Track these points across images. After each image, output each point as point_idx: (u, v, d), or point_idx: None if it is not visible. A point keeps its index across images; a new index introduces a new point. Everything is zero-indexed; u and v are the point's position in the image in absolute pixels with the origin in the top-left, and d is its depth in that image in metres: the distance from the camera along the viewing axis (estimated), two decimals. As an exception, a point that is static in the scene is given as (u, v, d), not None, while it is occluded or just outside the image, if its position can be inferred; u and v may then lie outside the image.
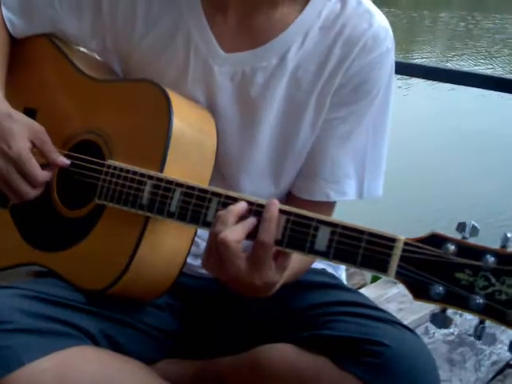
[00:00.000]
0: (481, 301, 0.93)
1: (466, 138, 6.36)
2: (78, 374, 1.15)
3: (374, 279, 2.57)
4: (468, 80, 2.45)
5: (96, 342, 1.23)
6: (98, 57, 1.46)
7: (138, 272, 1.22)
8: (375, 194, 1.40)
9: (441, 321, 0.99)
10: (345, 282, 1.50)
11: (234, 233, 1.08)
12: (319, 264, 1.43)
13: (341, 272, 1.50)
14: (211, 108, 1.33)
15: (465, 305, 0.95)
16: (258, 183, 1.38)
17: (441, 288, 0.96)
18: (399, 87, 7.84)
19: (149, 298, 1.31)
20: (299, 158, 1.36)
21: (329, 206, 1.40)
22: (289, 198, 1.42)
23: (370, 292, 2.42)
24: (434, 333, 2.19)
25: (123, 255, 1.21)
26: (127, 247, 1.21)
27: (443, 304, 0.97)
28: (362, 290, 2.46)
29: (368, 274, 2.58)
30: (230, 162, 1.36)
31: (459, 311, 0.97)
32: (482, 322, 0.96)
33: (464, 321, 2.22)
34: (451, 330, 2.20)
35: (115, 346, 1.26)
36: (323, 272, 1.42)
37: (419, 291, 0.98)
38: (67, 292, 1.24)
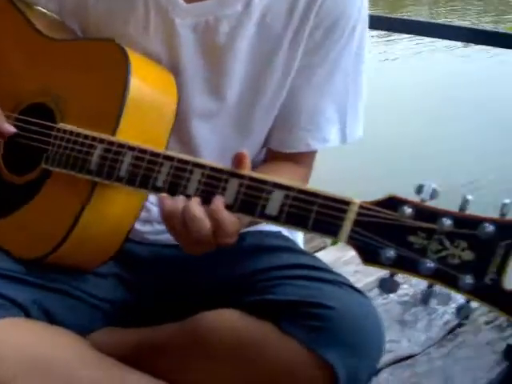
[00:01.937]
0: (432, 265, 0.91)
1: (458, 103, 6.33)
2: (7, 347, 1.11)
3: (335, 242, 2.56)
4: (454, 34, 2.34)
5: (28, 314, 1.18)
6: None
7: (80, 239, 1.18)
8: (357, 136, 1.38)
9: (389, 285, 0.97)
10: (301, 244, 1.48)
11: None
12: (275, 227, 1.39)
13: (297, 234, 1.48)
14: (175, 63, 1.28)
15: (415, 269, 0.92)
16: (225, 138, 1.34)
17: (392, 252, 0.93)
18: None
19: (92, 265, 1.27)
20: (271, 109, 1.33)
21: (310, 155, 1.39)
22: (268, 153, 1.40)
23: (330, 254, 2.42)
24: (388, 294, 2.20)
25: (65, 221, 1.16)
26: (70, 214, 1.16)
27: (393, 268, 0.94)
28: (322, 253, 2.47)
29: (329, 237, 2.56)
30: (195, 118, 1.31)
31: (409, 276, 0.94)
32: (430, 286, 0.95)
33: (419, 281, 2.23)
34: (406, 291, 2.21)
35: (50, 317, 1.22)
36: (277, 235, 1.40)
37: (369, 255, 0.95)
38: (1, 262, 1.20)
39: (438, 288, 0.94)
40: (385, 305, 2.17)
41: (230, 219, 1.06)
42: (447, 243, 0.91)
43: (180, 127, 1.28)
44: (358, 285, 2.07)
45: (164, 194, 1.08)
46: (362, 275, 2.25)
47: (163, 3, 1.27)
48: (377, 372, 1.86)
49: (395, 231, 0.93)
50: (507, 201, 0.91)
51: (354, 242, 0.96)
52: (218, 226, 1.05)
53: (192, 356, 1.18)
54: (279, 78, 1.29)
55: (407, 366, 1.93)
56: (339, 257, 2.40)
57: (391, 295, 2.19)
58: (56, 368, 1.14)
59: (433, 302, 2.20)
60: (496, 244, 0.88)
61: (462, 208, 0.92)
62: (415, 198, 0.94)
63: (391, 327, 2.07)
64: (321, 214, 0.99)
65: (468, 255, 0.90)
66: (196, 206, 1.05)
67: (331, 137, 1.35)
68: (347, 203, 0.97)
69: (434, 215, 0.92)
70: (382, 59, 7.84)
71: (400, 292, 2.20)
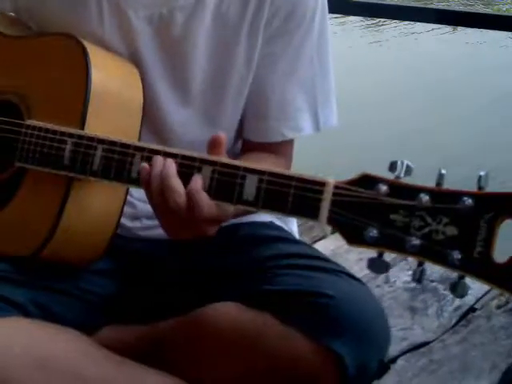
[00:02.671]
0: (417, 242, 0.88)
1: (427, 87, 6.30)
2: (13, 346, 1.09)
3: (334, 230, 2.53)
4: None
5: (26, 312, 1.17)
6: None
7: (66, 234, 1.16)
8: (331, 123, 1.36)
9: (378, 265, 0.95)
10: (296, 234, 1.45)
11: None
12: (267, 217, 1.38)
13: (291, 225, 1.46)
14: (134, 57, 1.27)
15: (401, 247, 0.89)
16: (194, 129, 1.32)
17: (375, 231, 0.90)
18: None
19: (83, 262, 1.26)
20: (238, 99, 1.31)
21: (287, 145, 1.37)
22: (244, 144, 1.38)
23: (330, 243, 2.39)
24: (394, 281, 2.17)
25: (48, 218, 1.16)
26: (52, 210, 1.15)
27: (379, 248, 0.92)
28: (322, 242, 2.44)
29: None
30: (162, 113, 1.30)
31: (396, 254, 0.92)
32: (420, 264, 0.92)
33: (426, 267, 2.20)
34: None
35: (49, 315, 1.20)
36: (270, 225, 1.38)
37: (353, 236, 0.93)
38: None
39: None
40: (392, 292, 2.14)
41: (206, 201, 1.03)
42: (429, 219, 0.88)
43: (151, 118, 1.26)
44: (362, 273, 2.05)
45: (144, 164, 1.06)
46: (365, 262, 2.20)
47: None
48: (394, 360, 1.85)
49: (375, 210, 0.91)
50: (482, 173, 0.88)
51: (334, 222, 0.95)
52: (195, 205, 1.02)
53: (196, 349, 1.18)
54: (242, 67, 1.28)
55: (423, 353, 1.91)
56: (340, 245, 2.35)
57: (397, 283, 2.16)
58: (62, 366, 1.12)
59: (441, 288, 2.17)
60: (478, 218, 0.85)
61: (439, 183, 0.89)
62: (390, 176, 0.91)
63: (402, 315, 2.05)
64: (297, 196, 0.97)
65: (451, 230, 0.87)
66: (174, 177, 1.03)
67: (304, 124, 1.33)
68: (322, 184, 0.95)
69: (410, 191, 0.89)
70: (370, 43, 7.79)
71: (406, 279, 2.17)
